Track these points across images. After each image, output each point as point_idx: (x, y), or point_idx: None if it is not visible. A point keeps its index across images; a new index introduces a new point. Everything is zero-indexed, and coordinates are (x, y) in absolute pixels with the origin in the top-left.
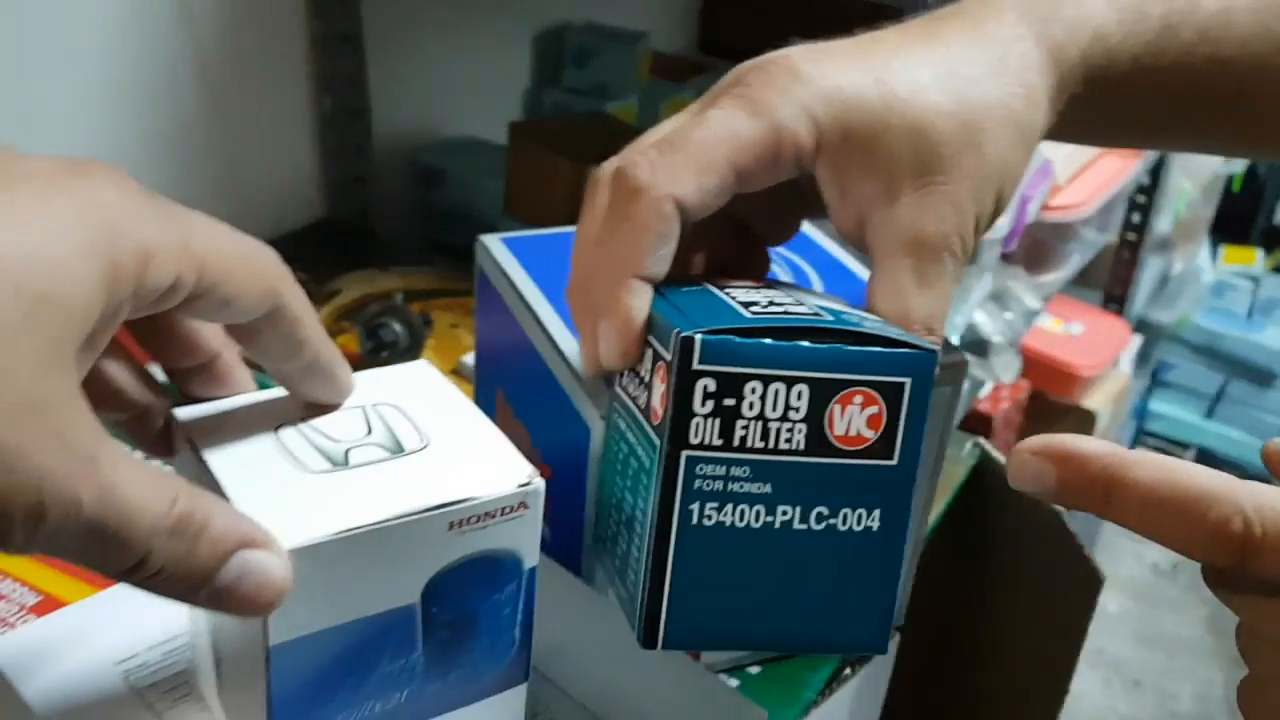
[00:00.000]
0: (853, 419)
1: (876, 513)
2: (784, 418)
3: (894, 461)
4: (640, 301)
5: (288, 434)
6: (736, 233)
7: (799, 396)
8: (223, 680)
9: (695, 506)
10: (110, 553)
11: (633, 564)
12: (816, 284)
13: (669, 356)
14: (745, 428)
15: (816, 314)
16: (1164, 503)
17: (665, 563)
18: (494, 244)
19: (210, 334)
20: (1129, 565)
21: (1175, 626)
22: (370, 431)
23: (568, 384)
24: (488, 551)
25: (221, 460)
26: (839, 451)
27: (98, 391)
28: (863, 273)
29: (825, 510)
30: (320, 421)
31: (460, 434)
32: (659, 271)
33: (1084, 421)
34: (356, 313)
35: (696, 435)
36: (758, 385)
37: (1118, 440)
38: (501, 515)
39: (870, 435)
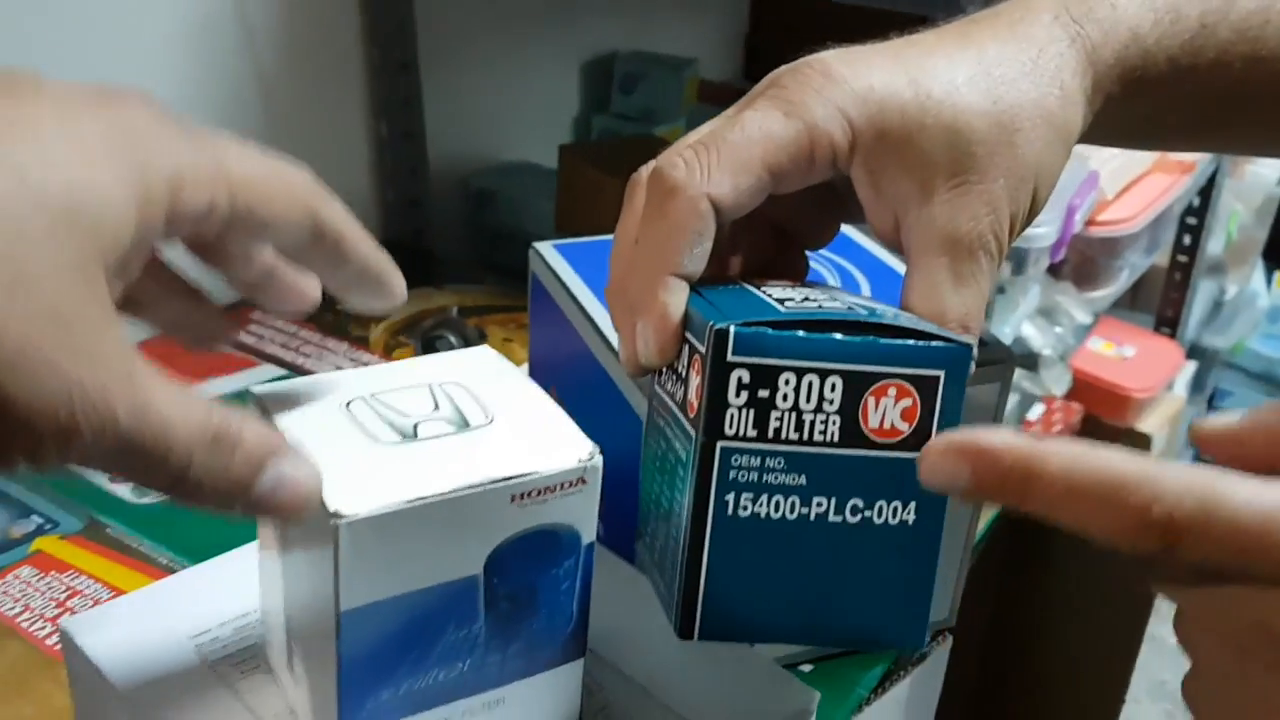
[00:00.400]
0: (887, 411)
1: (912, 506)
2: (818, 409)
3: None
4: (677, 299)
5: (358, 407)
6: (775, 236)
7: (833, 389)
8: (294, 652)
9: (730, 497)
10: (151, 467)
11: (670, 556)
12: (863, 285)
13: (703, 349)
14: (779, 419)
15: (851, 309)
16: (1083, 492)
17: (701, 553)
18: (547, 250)
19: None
20: None
21: None
22: (437, 407)
23: (619, 379)
24: (548, 526)
25: (297, 431)
26: (873, 444)
27: (135, 297)
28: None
29: (860, 503)
30: (389, 397)
31: (523, 411)
32: (695, 270)
33: (1139, 444)
34: (413, 327)
35: (731, 426)
36: (791, 377)
37: None
38: (561, 490)
39: (905, 428)
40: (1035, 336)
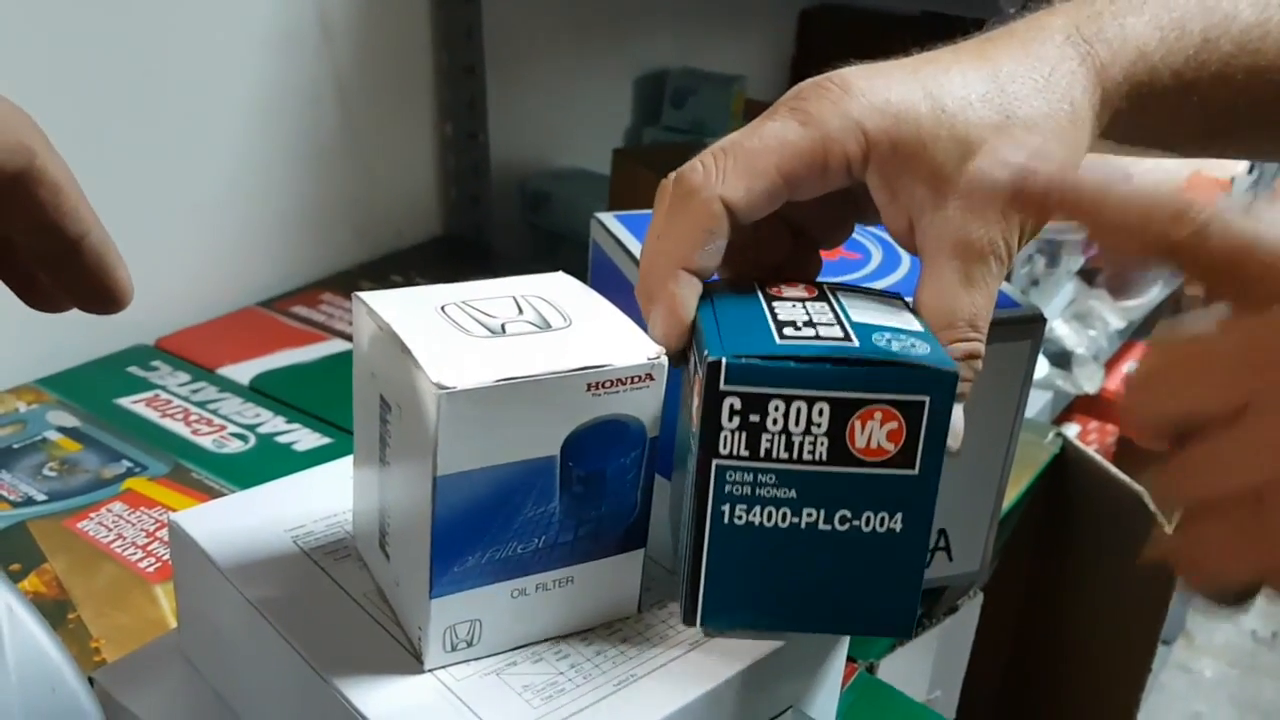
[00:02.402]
0: (873, 433)
1: (899, 515)
2: (807, 432)
3: (915, 471)
4: (686, 291)
5: (452, 309)
6: (793, 235)
7: (820, 413)
8: (387, 533)
9: (726, 508)
10: None
11: (681, 551)
12: (905, 259)
13: (701, 374)
14: (770, 440)
15: (847, 338)
16: (1139, 185)
17: (701, 555)
18: (609, 219)
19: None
20: (1226, 631)
21: (1275, 695)
22: (521, 312)
23: None
24: (618, 415)
25: (403, 326)
26: (861, 462)
27: None
28: None
29: (848, 513)
30: (478, 302)
31: (598, 319)
32: (708, 265)
33: None
34: None
35: (725, 447)
36: (780, 403)
37: None
38: (631, 384)
39: (891, 448)
40: (1069, 336)
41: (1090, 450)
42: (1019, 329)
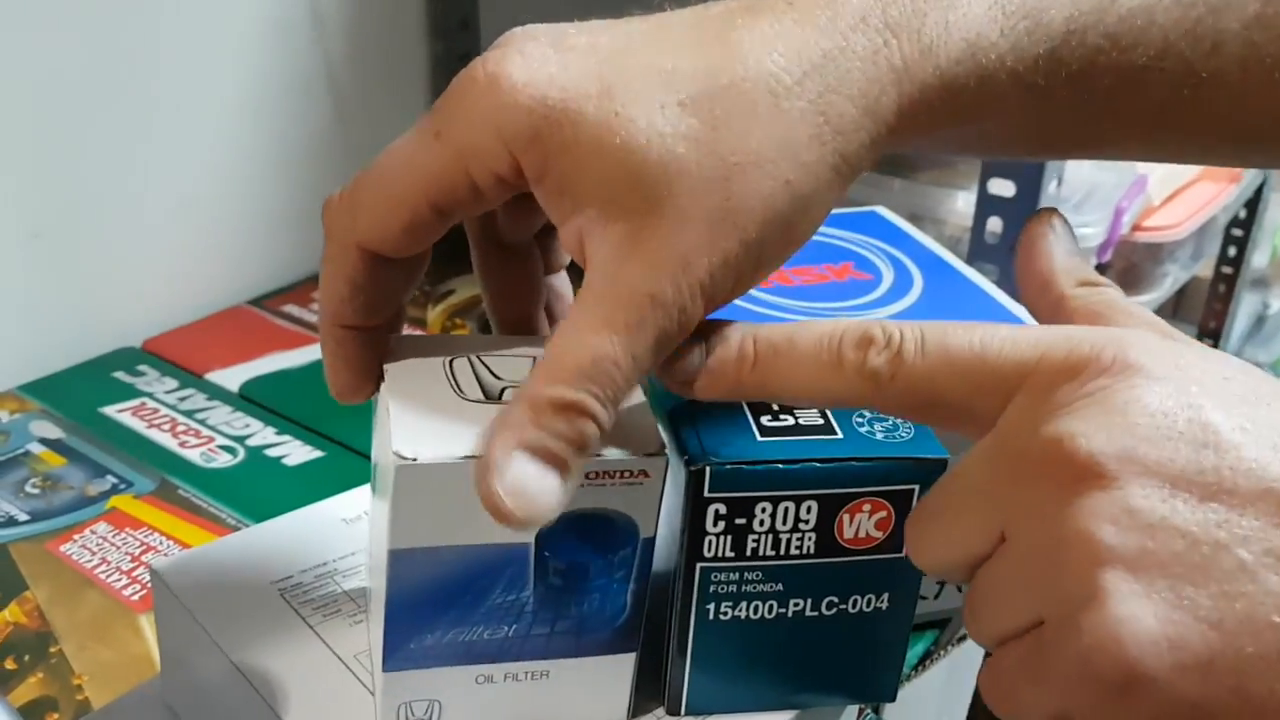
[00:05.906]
0: (861, 524)
1: (886, 595)
2: (794, 529)
3: (902, 554)
4: (345, 351)
5: (460, 364)
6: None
7: (809, 511)
8: (371, 596)
9: (711, 606)
10: None
11: (665, 641)
12: (917, 279)
13: (682, 478)
14: (757, 540)
15: (828, 427)
16: (808, 338)
17: (686, 650)
18: None
19: None
20: None
21: None
22: None
23: None
24: (605, 510)
25: (397, 382)
26: (849, 552)
27: None
28: (967, 270)
29: (835, 599)
30: (491, 360)
31: None
32: (362, 320)
33: None
34: (469, 311)
35: (710, 550)
36: (768, 505)
37: None
38: (621, 479)
39: (879, 535)
40: None
41: None
42: None
